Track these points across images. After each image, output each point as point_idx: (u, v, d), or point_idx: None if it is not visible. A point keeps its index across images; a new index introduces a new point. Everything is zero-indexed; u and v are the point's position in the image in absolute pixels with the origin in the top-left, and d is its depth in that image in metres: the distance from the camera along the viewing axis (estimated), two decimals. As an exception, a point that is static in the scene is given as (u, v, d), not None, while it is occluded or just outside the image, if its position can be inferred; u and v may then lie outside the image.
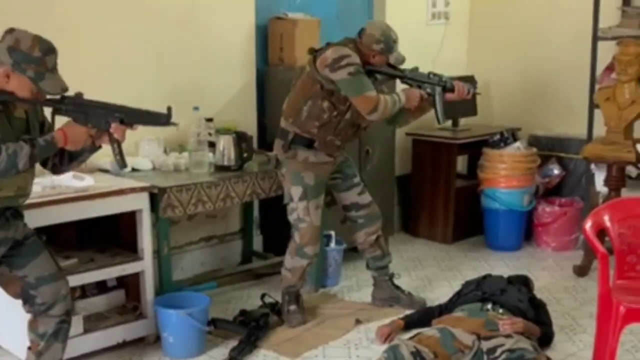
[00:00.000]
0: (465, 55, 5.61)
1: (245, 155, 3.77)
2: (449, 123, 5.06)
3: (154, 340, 3.36)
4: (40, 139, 2.51)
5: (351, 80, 3.31)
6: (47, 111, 2.65)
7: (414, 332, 3.30)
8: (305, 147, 3.48)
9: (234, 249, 4.45)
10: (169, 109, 2.57)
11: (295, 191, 3.50)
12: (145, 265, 3.33)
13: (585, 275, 4.21)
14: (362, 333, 3.48)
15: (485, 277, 3.54)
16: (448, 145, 4.97)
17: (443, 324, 3.16)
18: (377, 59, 3.45)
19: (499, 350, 2.91)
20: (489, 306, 3.22)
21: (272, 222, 4.49)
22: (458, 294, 3.47)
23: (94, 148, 2.67)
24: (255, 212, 4.48)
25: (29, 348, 2.80)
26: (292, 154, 3.50)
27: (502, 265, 4.52)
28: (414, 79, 3.56)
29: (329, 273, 4.12)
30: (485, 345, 2.99)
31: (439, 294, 3.97)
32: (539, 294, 3.62)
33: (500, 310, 3.20)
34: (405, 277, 4.30)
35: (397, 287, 3.88)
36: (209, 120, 3.95)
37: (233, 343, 3.30)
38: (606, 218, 3.01)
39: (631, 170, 4.43)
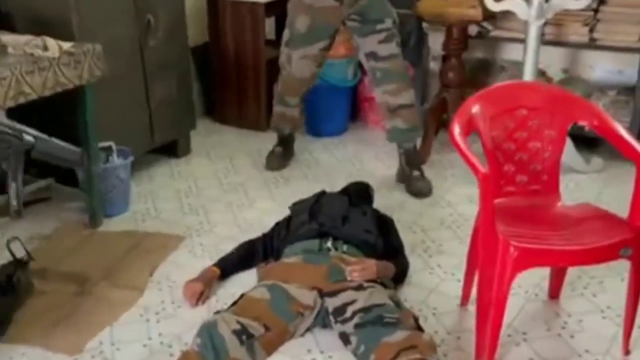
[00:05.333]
0: None
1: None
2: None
3: None
4: None
5: None
6: None
7: (235, 289, 2.48)
8: None
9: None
10: None
11: (285, 34, 3.32)
12: None
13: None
14: (166, 293, 2.53)
15: (320, 198, 2.71)
16: (252, 4, 3.94)
17: (272, 275, 2.34)
18: None
19: (349, 310, 2.16)
20: (329, 244, 2.42)
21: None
22: (287, 225, 2.62)
23: None
24: None
25: None
26: None
27: (327, 156, 3.74)
28: None
29: (112, 198, 3.08)
30: (331, 303, 2.23)
31: (257, 211, 3.13)
32: (376, 199, 2.91)
33: (345, 247, 2.42)
34: (212, 183, 3.40)
35: (413, 164, 3.33)
36: None
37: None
38: (476, 114, 2.24)
39: (472, 29, 3.70)
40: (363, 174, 3.48)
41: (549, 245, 1.98)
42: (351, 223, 2.51)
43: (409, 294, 2.47)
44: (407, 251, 2.66)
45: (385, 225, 2.64)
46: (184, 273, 2.60)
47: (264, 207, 3.16)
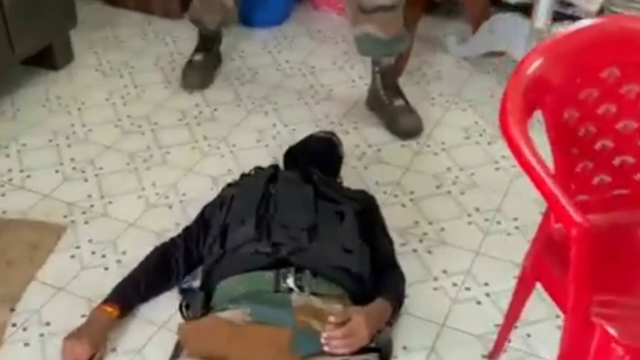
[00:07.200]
0: None
1: None
2: None
3: None
4: None
5: None
6: None
7: (140, 335, 1.60)
8: None
9: None
10: None
11: None
12: None
13: (401, 76, 2.55)
14: (35, 351, 1.58)
15: (270, 186, 1.74)
16: None
17: (203, 343, 1.45)
18: None
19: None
20: (290, 280, 1.51)
21: None
22: (222, 231, 1.67)
23: None
24: None
25: None
26: None
27: (266, 62, 2.73)
28: None
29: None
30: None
31: (172, 171, 2.17)
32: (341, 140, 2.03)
33: (314, 283, 1.52)
34: (105, 117, 2.39)
35: (392, 87, 2.36)
36: None
37: None
38: (539, 81, 1.29)
39: None
40: (319, 95, 2.53)
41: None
42: (322, 239, 1.58)
43: (405, 333, 1.64)
44: (396, 244, 1.81)
45: (367, 221, 1.74)
46: (63, 307, 1.69)
47: (183, 163, 2.20)
